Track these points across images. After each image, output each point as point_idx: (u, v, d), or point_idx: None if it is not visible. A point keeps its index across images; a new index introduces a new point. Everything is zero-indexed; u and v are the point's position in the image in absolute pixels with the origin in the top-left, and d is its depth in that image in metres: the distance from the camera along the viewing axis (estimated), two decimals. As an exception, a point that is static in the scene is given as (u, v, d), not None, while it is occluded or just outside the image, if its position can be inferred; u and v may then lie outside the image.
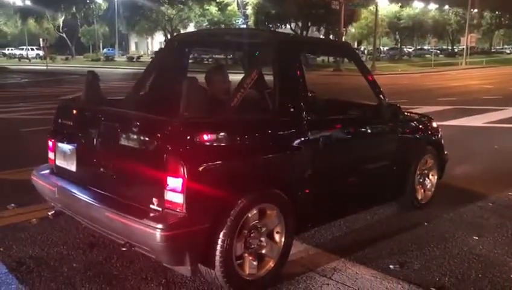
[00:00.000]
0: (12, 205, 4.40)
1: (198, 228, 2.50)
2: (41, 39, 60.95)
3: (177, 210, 2.45)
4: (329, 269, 3.21)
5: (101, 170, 2.91)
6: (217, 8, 46.10)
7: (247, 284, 2.80)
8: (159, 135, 2.54)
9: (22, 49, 57.38)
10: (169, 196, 2.47)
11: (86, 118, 3.15)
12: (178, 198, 2.44)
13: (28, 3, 58.42)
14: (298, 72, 3.21)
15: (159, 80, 3.79)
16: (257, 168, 2.81)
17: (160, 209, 2.51)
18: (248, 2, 43.45)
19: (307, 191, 3.12)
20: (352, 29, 49.54)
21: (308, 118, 3.12)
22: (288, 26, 43.49)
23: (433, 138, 4.61)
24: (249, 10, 43.57)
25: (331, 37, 41.48)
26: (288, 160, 3.02)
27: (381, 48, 62.41)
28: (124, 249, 2.62)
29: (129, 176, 2.74)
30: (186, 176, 2.41)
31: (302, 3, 36.34)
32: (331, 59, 38.96)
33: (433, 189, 4.61)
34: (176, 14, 47.88)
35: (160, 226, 2.39)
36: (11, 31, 63.28)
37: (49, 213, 3.38)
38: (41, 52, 53.54)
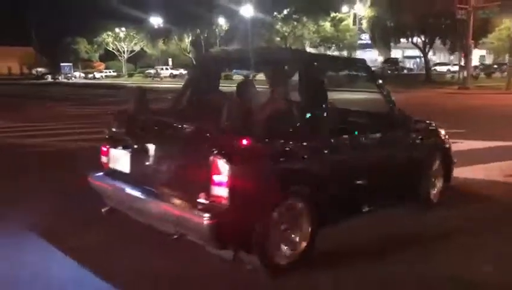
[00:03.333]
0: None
1: (239, 218, 3.00)
2: (170, 59, 66.46)
3: (222, 203, 2.95)
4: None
5: (154, 171, 3.40)
6: (331, 24, 44.44)
7: (280, 268, 3.26)
8: (206, 140, 3.09)
9: (161, 68, 62.18)
10: (215, 191, 2.96)
11: (139, 127, 3.67)
12: (222, 192, 2.94)
13: (159, 25, 64.18)
14: (320, 85, 3.77)
15: (195, 92, 4.30)
16: (287, 168, 3.30)
17: (207, 202, 2.99)
18: (363, 16, 40.88)
19: (329, 188, 3.54)
20: (485, 41, 43.48)
21: (329, 126, 3.66)
22: (409, 39, 39.66)
23: (443, 145, 5.04)
24: (364, 25, 40.87)
25: (457, 51, 36.88)
26: (314, 162, 3.49)
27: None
28: (175, 236, 3.13)
29: (180, 175, 3.24)
30: (229, 174, 2.92)
31: (422, 14, 32.65)
32: (461, 75, 34.64)
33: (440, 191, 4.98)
34: (291, 31, 47.55)
35: (207, 215, 2.90)
36: (151, 52, 69.55)
37: (103, 210, 3.87)
38: (174, 72, 58.69)
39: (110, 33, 68.01)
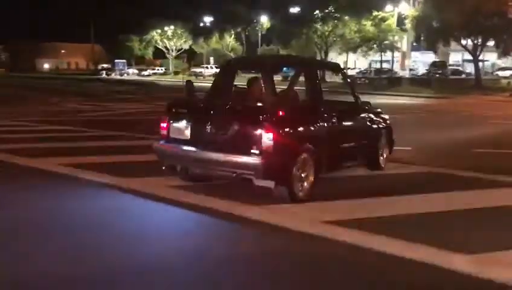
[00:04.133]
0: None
1: (278, 161, 4.77)
2: (211, 58, 66.24)
3: (268, 151, 4.73)
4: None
5: (214, 135, 5.14)
6: (371, 23, 42.25)
7: (296, 197, 5.03)
8: (257, 112, 4.99)
9: (204, 67, 61.60)
10: (264, 144, 4.74)
11: (198, 105, 5.71)
12: (269, 145, 4.73)
13: (205, 23, 64.36)
14: (316, 81, 6.07)
15: (223, 88, 5.97)
16: (303, 133, 5.31)
17: (258, 151, 4.77)
18: (407, 15, 38.44)
19: (324, 149, 5.45)
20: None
21: (323, 108, 5.79)
22: (459, 41, 36.79)
23: (388, 126, 7.13)
24: (408, 24, 38.37)
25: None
26: (316, 130, 5.53)
27: None
28: (234, 175, 4.93)
29: (237, 136, 4.98)
30: (273, 133, 4.75)
31: (470, 13, 30.04)
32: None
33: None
34: (331, 31, 45.80)
35: (260, 158, 4.71)
36: (200, 50, 69.39)
37: (163, 167, 5.60)
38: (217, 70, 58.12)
39: (158, 31, 68.45)
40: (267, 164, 4.71)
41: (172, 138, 5.42)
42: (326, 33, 45.99)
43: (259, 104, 5.30)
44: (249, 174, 4.84)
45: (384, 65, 47.44)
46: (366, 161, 6.66)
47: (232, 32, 61.38)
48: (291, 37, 47.78)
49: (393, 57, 46.69)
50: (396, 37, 44.12)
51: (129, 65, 72.45)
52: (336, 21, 44.33)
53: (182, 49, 70.15)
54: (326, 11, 44.75)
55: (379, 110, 7.22)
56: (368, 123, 6.65)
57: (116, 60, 71.66)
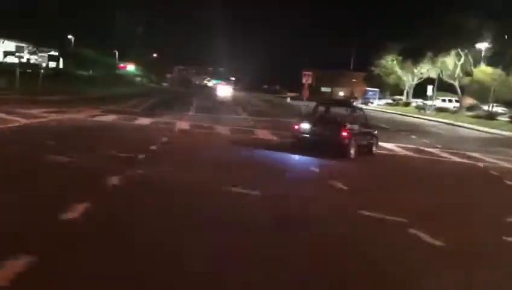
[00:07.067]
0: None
1: (347, 139, 12.90)
2: (429, 87, 49.76)
3: (344, 135, 12.86)
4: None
5: (322, 129, 13.44)
6: None
7: (351, 158, 12.99)
8: (341, 123, 13.58)
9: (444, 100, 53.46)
10: (342, 133, 12.86)
11: (315, 117, 14.40)
12: (344, 133, 12.88)
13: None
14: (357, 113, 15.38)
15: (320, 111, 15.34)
16: (352, 132, 13.30)
17: (343, 133, 12.92)
18: None
19: (359, 141, 13.83)
20: None
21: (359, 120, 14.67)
22: None
23: (375, 130, 15.56)
24: None
25: None
26: (356, 133, 13.67)
27: None
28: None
29: (333, 130, 13.12)
30: (344, 130, 12.95)
31: None
32: None
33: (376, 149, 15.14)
34: None
35: (343, 136, 12.84)
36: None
37: (291, 141, 14.00)
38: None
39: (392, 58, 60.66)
40: (344, 140, 12.74)
41: (302, 129, 13.73)
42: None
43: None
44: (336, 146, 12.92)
45: None
46: (368, 149, 14.38)
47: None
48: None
49: None
50: None
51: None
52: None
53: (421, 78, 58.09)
54: None
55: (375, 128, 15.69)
56: (372, 132, 14.98)
57: (367, 88, 69.20)
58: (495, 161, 15.62)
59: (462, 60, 47.47)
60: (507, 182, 11.52)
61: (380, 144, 15.39)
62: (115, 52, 76.76)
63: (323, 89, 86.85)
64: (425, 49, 48.40)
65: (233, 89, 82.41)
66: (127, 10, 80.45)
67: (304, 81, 30.06)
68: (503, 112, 42.39)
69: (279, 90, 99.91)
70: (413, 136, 22.23)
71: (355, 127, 13.29)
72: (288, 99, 64.15)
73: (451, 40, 43.25)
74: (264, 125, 21.43)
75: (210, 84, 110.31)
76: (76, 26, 59.76)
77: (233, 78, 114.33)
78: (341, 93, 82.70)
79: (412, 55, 51.91)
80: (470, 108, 47.30)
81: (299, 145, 13.04)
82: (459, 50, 46.03)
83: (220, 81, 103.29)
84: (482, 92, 44.84)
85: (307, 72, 29.88)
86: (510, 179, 11.89)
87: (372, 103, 65.48)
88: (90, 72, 58.75)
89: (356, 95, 71.88)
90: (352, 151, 12.74)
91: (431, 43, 45.75)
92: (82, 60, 58.60)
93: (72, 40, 58.12)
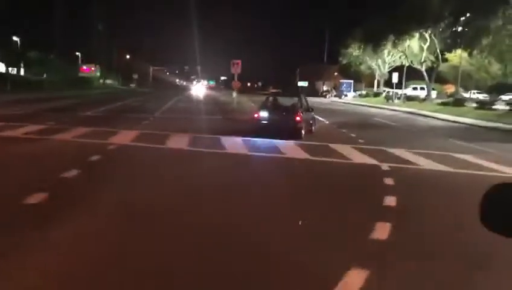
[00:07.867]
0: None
1: (300, 122, 15.14)
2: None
3: (298, 120, 15.11)
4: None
5: (278, 115, 15.73)
6: None
7: (306, 135, 15.44)
8: (295, 109, 15.93)
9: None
10: (297, 118, 15.10)
11: (271, 105, 16.97)
12: (299, 118, 15.12)
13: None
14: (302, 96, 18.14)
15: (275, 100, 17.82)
16: (303, 117, 15.62)
17: (297, 119, 15.15)
18: None
19: (305, 122, 16.06)
20: None
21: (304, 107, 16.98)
22: None
23: (313, 115, 18.03)
24: None
25: None
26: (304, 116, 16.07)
27: None
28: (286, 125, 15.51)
29: (288, 115, 15.32)
30: (300, 115, 15.24)
31: None
32: None
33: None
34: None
35: (297, 121, 15.05)
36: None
37: (256, 124, 15.77)
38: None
39: None
40: (298, 123, 14.88)
41: (261, 117, 15.88)
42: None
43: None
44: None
45: None
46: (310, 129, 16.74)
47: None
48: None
49: None
50: None
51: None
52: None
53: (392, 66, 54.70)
54: None
55: (311, 106, 17.68)
56: (309, 112, 16.96)
57: (341, 80, 67.66)
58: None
59: (428, 43, 43.83)
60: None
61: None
62: (78, 55, 73.48)
63: (300, 84, 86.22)
64: (387, 32, 44.67)
65: (211, 88, 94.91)
66: (98, 9, 77.16)
67: (232, 71, 26.59)
68: (483, 98, 39.63)
69: (261, 88, 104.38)
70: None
71: (303, 112, 15.64)
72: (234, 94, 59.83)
73: (413, 21, 39.48)
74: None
75: (198, 84, 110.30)
76: (28, 26, 55.97)
77: (225, 78, 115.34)
78: (325, 88, 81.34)
79: (373, 40, 47.66)
80: (450, 95, 44.46)
81: (260, 130, 15.02)
82: (423, 32, 42.21)
83: (212, 83, 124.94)
84: (464, 79, 41.41)
85: (235, 61, 26.39)
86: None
87: (346, 95, 62.82)
88: (45, 75, 55.40)
89: (335, 88, 70.80)
90: (303, 132, 14.91)
91: (392, 25, 42.14)
92: (29, 63, 55.10)
93: (18, 42, 54.30)
